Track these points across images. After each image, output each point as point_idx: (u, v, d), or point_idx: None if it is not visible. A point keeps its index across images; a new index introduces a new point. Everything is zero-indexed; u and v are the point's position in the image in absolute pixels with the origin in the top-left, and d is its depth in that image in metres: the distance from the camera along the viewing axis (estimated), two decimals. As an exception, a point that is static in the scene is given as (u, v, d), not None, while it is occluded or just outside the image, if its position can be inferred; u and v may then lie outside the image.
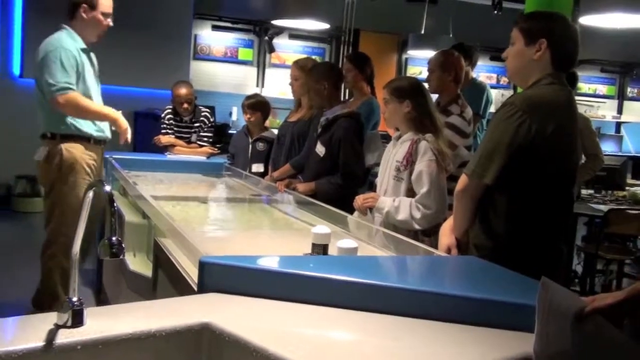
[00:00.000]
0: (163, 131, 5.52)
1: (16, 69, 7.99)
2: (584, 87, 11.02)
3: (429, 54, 5.81)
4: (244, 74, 9.26)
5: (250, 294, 1.68)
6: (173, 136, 5.51)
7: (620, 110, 11.46)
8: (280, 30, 8.85)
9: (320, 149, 3.87)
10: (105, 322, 1.42)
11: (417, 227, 3.03)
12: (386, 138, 4.21)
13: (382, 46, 9.63)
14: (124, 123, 3.94)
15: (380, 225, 3.04)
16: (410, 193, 3.11)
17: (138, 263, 3.22)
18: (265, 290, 1.68)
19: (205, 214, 3.50)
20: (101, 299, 4.35)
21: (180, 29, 8.53)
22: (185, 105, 5.44)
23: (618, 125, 11.38)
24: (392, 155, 3.25)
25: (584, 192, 5.68)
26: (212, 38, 9.06)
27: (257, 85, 9.22)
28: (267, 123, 5.19)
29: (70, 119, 3.76)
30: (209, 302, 1.63)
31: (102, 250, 1.41)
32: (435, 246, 2.66)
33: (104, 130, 3.93)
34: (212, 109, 6.07)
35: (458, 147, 3.82)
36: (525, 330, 1.47)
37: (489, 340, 1.50)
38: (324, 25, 6.90)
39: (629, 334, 1.32)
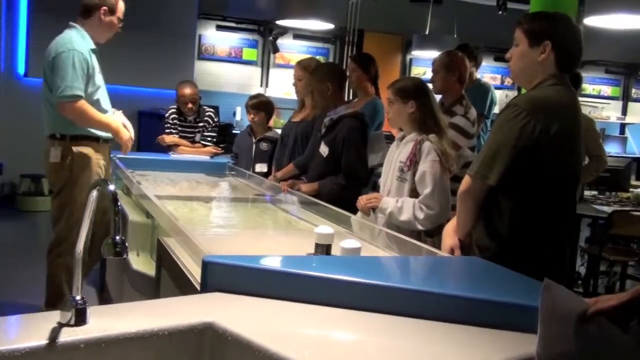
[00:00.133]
0: (167, 131, 5.52)
1: (21, 69, 8.01)
2: (588, 88, 11.00)
3: (433, 54, 5.80)
4: (248, 74, 9.26)
5: (253, 293, 1.68)
6: (177, 136, 5.51)
7: (624, 112, 11.44)
8: (284, 31, 8.85)
9: (324, 150, 3.87)
10: (108, 321, 1.42)
11: (420, 227, 3.03)
12: (390, 138, 4.22)
13: (386, 46, 9.63)
14: (125, 134, 3.96)
15: (383, 225, 3.05)
16: (414, 193, 3.11)
17: (141, 262, 3.23)
18: (268, 290, 1.68)
19: (209, 213, 3.50)
20: (104, 298, 4.36)
21: (184, 29, 8.54)
22: (190, 105, 5.44)
23: (622, 126, 11.36)
24: (396, 155, 3.25)
25: (587, 193, 5.67)
26: (217, 38, 9.07)
27: (261, 85, 9.22)
28: (271, 123, 5.19)
29: None
30: (212, 301, 1.64)
31: (105, 250, 1.42)
32: (438, 247, 2.66)
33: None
34: (216, 109, 6.07)
35: (462, 147, 3.82)
36: (528, 332, 1.47)
37: (492, 341, 1.50)
38: (328, 26, 6.90)
39: (633, 336, 1.32)
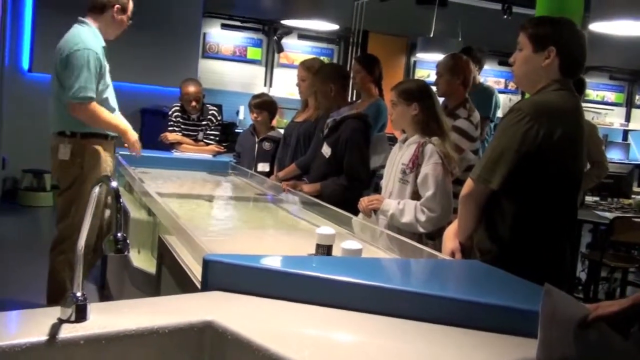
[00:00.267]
0: (170, 129, 5.53)
1: (25, 64, 8.02)
2: (592, 94, 10.99)
3: (438, 57, 5.80)
4: (252, 73, 9.27)
5: (253, 293, 1.68)
6: (180, 134, 5.52)
7: (628, 118, 11.43)
8: (289, 30, 8.86)
9: (326, 150, 3.87)
10: (108, 318, 1.42)
11: (421, 230, 3.03)
12: (392, 140, 4.21)
13: (390, 48, 9.63)
14: (133, 135, 4.00)
15: (384, 227, 3.04)
16: (416, 196, 3.11)
17: (142, 260, 3.23)
18: (268, 289, 1.68)
19: (210, 212, 3.50)
20: (105, 295, 4.36)
21: (189, 27, 8.55)
22: (194, 104, 5.45)
23: (625, 133, 11.35)
24: (398, 157, 3.25)
25: (589, 199, 5.67)
26: (221, 37, 9.08)
27: (265, 85, 9.23)
28: (274, 123, 5.19)
29: None
30: (212, 300, 1.64)
31: (107, 246, 1.42)
32: (440, 249, 2.65)
33: None
34: (219, 108, 6.09)
35: (465, 150, 3.82)
36: (527, 336, 1.47)
37: (491, 345, 1.50)
38: (333, 26, 6.90)
39: (634, 342, 1.31)
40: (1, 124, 7.06)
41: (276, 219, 3.46)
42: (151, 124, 7.50)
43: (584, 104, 2.68)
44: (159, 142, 5.47)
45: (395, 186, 3.20)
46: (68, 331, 1.35)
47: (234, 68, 9.17)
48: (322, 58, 7.90)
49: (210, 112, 5.59)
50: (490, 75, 9.98)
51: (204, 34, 8.94)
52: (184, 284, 2.07)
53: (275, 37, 8.87)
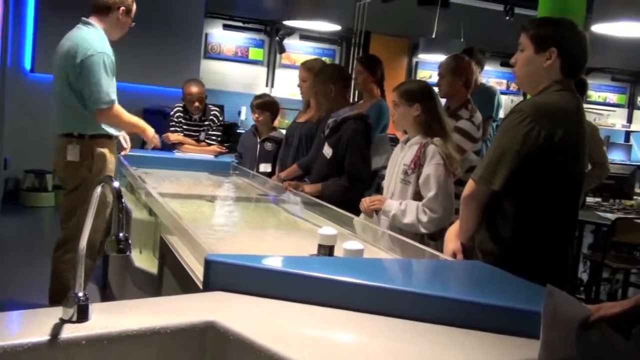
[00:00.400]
0: (172, 129, 5.53)
1: (27, 64, 8.02)
2: (594, 95, 10.98)
3: (440, 58, 5.80)
4: (254, 73, 9.27)
5: (255, 293, 1.68)
6: (182, 134, 5.52)
7: (630, 119, 11.42)
8: (291, 31, 8.85)
9: (327, 151, 3.87)
10: (110, 318, 1.42)
11: (423, 230, 3.03)
12: (394, 141, 4.21)
13: (392, 49, 9.63)
14: (151, 130, 4.13)
15: (386, 228, 3.04)
16: (418, 196, 3.11)
17: (144, 260, 3.23)
18: (270, 290, 1.68)
19: (212, 212, 3.50)
20: (106, 295, 4.36)
21: (191, 28, 8.55)
22: (197, 104, 5.45)
23: (627, 134, 11.34)
24: (400, 158, 3.25)
25: (591, 200, 5.66)
26: (223, 37, 9.08)
27: (267, 86, 9.23)
28: (276, 123, 5.19)
29: None
30: (214, 300, 1.64)
31: (109, 246, 1.42)
32: (441, 250, 2.65)
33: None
34: (221, 108, 6.07)
35: (467, 151, 3.81)
36: (529, 337, 1.47)
37: (493, 345, 1.50)
38: (335, 27, 6.90)
39: (635, 343, 1.31)
40: (3, 124, 7.06)
41: (278, 220, 3.46)
42: (153, 124, 7.42)
43: (586, 106, 2.68)
44: (161, 142, 5.47)
45: (397, 187, 3.20)
46: (70, 331, 1.35)
47: (235, 68, 9.18)
48: (324, 59, 7.91)
49: (212, 112, 5.59)
50: (492, 76, 9.97)
51: (206, 34, 8.94)
52: (185, 284, 2.07)
53: (277, 38, 8.87)
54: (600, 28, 4.49)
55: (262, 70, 9.32)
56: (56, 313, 1.40)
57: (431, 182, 3.04)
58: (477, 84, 5.08)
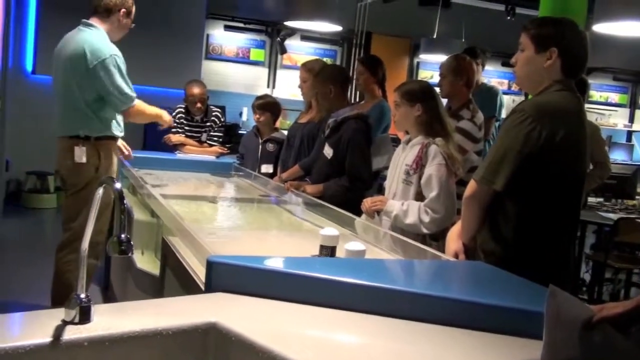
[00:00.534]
0: (173, 130, 5.52)
1: (29, 66, 8.03)
2: (595, 95, 10.98)
3: (441, 58, 5.80)
4: (256, 74, 9.27)
5: (257, 294, 1.68)
6: (183, 135, 5.52)
7: (631, 119, 11.41)
8: (292, 32, 8.84)
9: (328, 151, 3.87)
10: (112, 319, 1.42)
11: (425, 231, 3.03)
12: (396, 141, 4.21)
13: (393, 49, 9.63)
14: (167, 115, 4.35)
15: (388, 228, 3.04)
16: (419, 197, 3.10)
17: (146, 261, 3.23)
18: (272, 291, 1.68)
19: (214, 213, 3.50)
20: (108, 296, 4.36)
21: (192, 29, 8.55)
22: (199, 105, 5.45)
23: (629, 134, 11.33)
24: (402, 158, 3.24)
25: (593, 200, 5.65)
26: (224, 38, 9.08)
27: (268, 86, 9.24)
28: (278, 124, 5.19)
29: (105, 122, 3.81)
30: (216, 301, 1.64)
31: (111, 248, 1.42)
32: (443, 250, 2.65)
33: (123, 129, 3.98)
34: (222, 109, 6.07)
35: (468, 152, 3.81)
36: (532, 337, 1.46)
37: (496, 346, 1.50)
38: (336, 28, 6.89)
39: (634, 341, 1.31)
40: (4, 126, 7.06)
41: (280, 220, 3.46)
42: (154, 125, 7.50)
43: (587, 105, 2.68)
44: (163, 143, 5.48)
45: (399, 187, 3.20)
46: (72, 333, 1.35)
47: (237, 69, 9.18)
48: (325, 59, 7.91)
49: (213, 113, 5.59)
50: (493, 76, 9.97)
51: (207, 35, 8.95)
52: (187, 286, 2.07)
53: (279, 39, 8.86)
54: (602, 28, 4.48)
55: (263, 71, 9.32)
56: (58, 314, 1.40)
57: (433, 183, 3.04)
58: (478, 83, 5.09)
